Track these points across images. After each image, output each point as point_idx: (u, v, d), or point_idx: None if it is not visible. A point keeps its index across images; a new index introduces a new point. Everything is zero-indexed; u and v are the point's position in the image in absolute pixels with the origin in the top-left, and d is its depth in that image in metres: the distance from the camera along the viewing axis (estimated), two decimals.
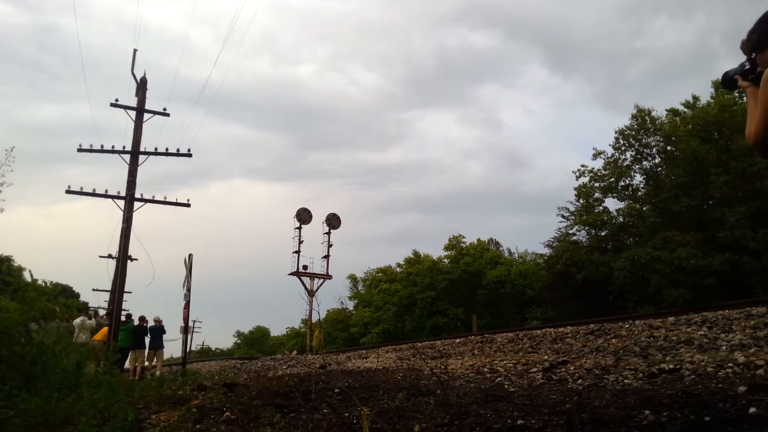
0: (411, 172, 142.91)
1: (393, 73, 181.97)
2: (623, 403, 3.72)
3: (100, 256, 30.07)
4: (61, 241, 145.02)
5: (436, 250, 59.50)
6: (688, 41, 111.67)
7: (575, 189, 37.42)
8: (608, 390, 4.52)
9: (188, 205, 20.87)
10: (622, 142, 35.87)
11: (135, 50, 20.85)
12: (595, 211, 36.77)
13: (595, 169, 36.67)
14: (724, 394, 3.60)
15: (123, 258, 18.64)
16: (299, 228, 35.11)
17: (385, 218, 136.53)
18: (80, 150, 19.12)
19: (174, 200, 20.52)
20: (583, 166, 37.26)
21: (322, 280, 34.91)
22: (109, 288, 22.01)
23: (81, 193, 19.27)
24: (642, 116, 35.48)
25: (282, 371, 12.16)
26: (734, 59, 2.02)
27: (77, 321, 15.52)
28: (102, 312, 26.54)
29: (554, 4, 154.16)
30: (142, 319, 16.99)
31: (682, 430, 3.02)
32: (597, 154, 36.56)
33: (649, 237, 31.27)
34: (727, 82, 2.00)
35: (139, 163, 19.49)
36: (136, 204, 19.26)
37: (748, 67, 1.89)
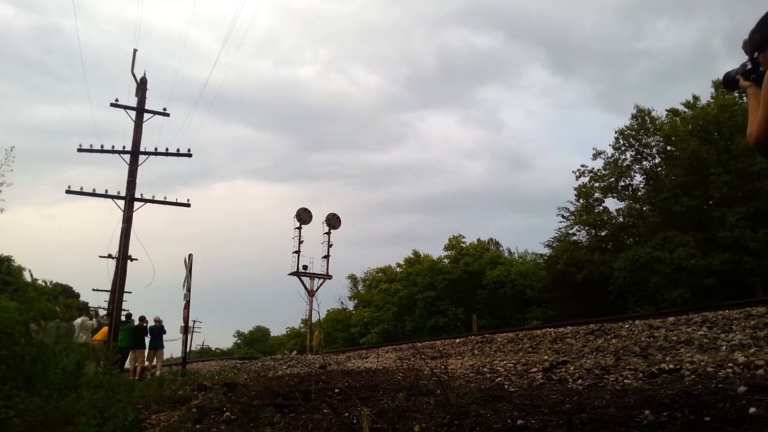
0: (412, 173, 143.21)
1: (394, 74, 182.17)
2: (623, 403, 3.71)
3: (100, 256, 30.06)
4: (61, 241, 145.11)
5: (436, 250, 59.63)
6: (689, 42, 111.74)
7: (575, 189, 37.45)
8: (608, 390, 4.51)
9: (188, 205, 20.89)
10: (622, 142, 35.89)
11: (135, 50, 20.87)
12: (595, 211, 36.75)
13: (595, 169, 36.71)
14: (724, 394, 3.60)
15: (123, 258, 18.64)
16: (299, 228, 35.09)
17: (385, 218, 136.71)
18: (80, 150, 19.11)
19: (174, 200, 20.55)
20: (583, 166, 37.30)
21: (322, 280, 34.89)
22: (109, 288, 22.01)
23: (81, 193, 19.28)
24: (642, 116, 35.49)
25: (282, 371, 12.15)
26: (735, 60, 2.02)
27: (77, 321, 15.51)
28: (102, 312, 26.54)
29: (556, 6, 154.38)
30: (142, 319, 16.98)
31: (682, 430, 3.01)
32: (597, 154, 36.59)
33: (649, 237, 31.27)
34: (728, 83, 2.00)
35: (139, 163, 19.50)
36: (136, 204, 19.26)
37: (749, 67, 1.89)
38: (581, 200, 37.30)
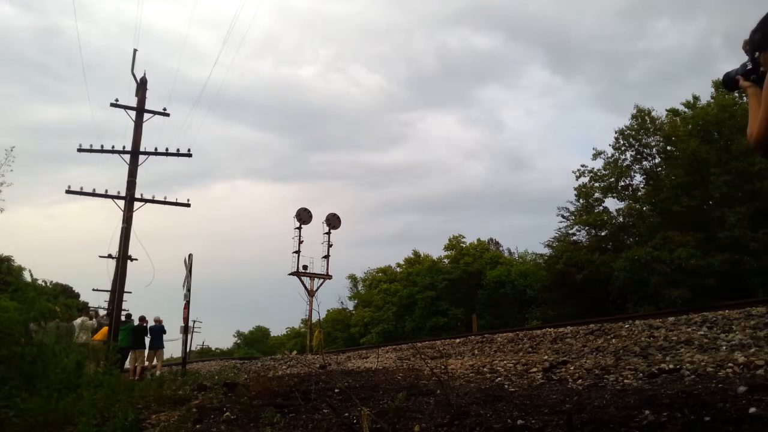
0: (412, 173, 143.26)
1: (395, 74, 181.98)
2: (623, 403, 3.71)
3: (100, 256, 30.12)
4: (61, 241, 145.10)
5: (436, 250, 59.54)
6: (690, 43, 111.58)
7: (575, 189, 37.47)
8: (608, 390, 4.51)
9: (188, 205, 20.91)
10: (622, 142, 35.90)
11: (135, 50, 20.90)
12: (595, 211, 36.77)
13: (595, 169, 36.72)
14: (724, 394, 3.60)
15: (123, 258, 18.65)
16: (299, 228, 35.10)
17: (385, 218, 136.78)
18: (80, 150, 19.14)
19: (174, 200, 20.56)
20: (583, 166, 37.34)
21: (322, 280, 34.88)
22: (109, 288, 22.02)
23: (81, 193, 19.30)
24: (642, 116, 35.50)
25: (282, 371, 12.15)
26: (735, 61, 2.01)
27: (77, 321, 15.49)
28: (102, 312, 26.52)
29: (556, 6, 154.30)
30: (142, 319, 16.98)
31: (682, 430, 3.01)
32: (597, 154, 36.61)
33: (649, 237, 31.27)
34: (728, 83, 2.00)
35: (139, 163, 19.53)
36: (136, 204, 19.27)
37: (750, 67, 1.88)
38: (581, 200, 37.33)
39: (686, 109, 34.77)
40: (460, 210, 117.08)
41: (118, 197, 19.28)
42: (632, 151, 35.83)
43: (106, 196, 19.35)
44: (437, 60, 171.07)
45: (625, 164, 36.02)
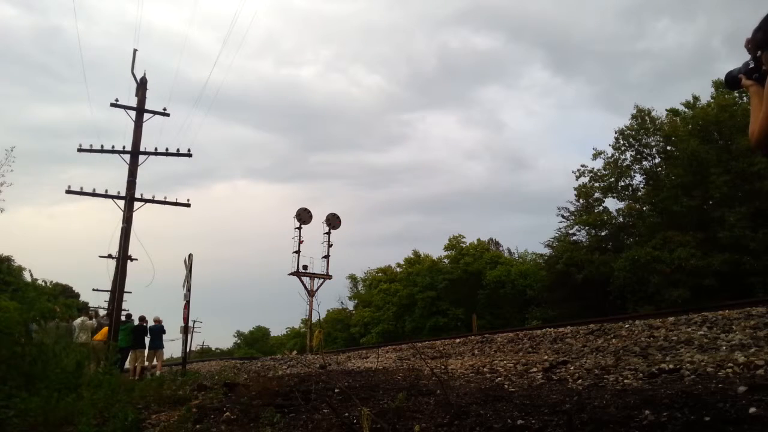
0: (412, 173, 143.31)
1: (395, 75, 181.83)
2: (623, 403, 3.71)
3: (100, 256, 30.05)
4: (61, 241, 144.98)
5: (436, 250, 59.48)
6: (690, 43, 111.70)
7: (575, 189, 37.45)
8: (608, 390, 4.51)
9: (188, 205, 20.91)
10: (622, 142, 35.89)
11: (135, 50, 20.90)
12: (595, 211, 36.76)
13: (595, 169, 36.70)
14: (724, 394, 3.59)
15: (123, 258, 18.65)
16: (299, 228, 35.09)
17: (385, 219, 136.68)
18: (80, 150, 19.14)
19: (174, 200, 20.56)
20: (583, 166, 37.29)
21: (322, 280, 34.87)
22: (109, 288, 22.04)
23: (81, 193, 19.31)
24: (642, 116, 35.49)
25: (282, 371, 12.14)
26: (735, 60, 2.01)
27: (77, 321, 15.51)
28: (102, 312, 26.53)
29: (556, 6, 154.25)
30: (142, 319, 16.98)
31: (682, 430, 3.01)
32: (597, 154, 36.58)
33: (649, 237, 31.27)
34: (730, 82, 1.99)
35: (140, 163, 19.53)
36: (136, 204, 19.27)
37: (752, 66, 1.88)
38: (581, 200, 37.32)
39: (686, 109, 34.76)
40: (460, 210, 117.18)
41: (118, 197, 19.29)
42: (632, 151, 35.82)
43: (106, 196, 19.35)
44: (438, 60, 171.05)
45: (625, 164, 36.01)
